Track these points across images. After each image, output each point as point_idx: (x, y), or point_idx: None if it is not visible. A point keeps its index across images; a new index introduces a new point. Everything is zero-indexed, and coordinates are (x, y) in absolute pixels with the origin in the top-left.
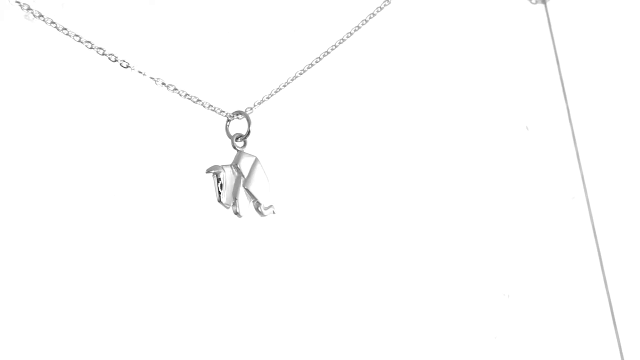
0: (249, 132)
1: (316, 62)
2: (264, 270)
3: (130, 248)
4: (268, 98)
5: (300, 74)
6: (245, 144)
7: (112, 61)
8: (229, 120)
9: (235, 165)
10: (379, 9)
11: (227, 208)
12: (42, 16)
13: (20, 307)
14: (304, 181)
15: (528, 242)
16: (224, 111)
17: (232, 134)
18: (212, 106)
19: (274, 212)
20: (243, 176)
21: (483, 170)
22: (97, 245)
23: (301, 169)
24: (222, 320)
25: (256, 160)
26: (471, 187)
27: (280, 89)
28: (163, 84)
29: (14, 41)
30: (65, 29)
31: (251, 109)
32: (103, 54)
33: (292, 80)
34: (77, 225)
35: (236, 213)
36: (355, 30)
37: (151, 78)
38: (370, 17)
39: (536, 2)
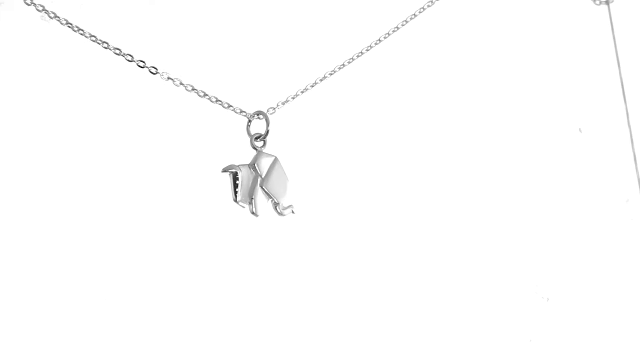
0: (267, 132)
1: (348, 62)
2: (280, 270)
3: (146, 247)
4: (293, 98)
5: (330, 74)
6: (264, 144)
7: (129, 61)
8: (249, 121)
9: (253, 164)
10: (422, 10)
11: (243, 207)
12: (58, 17)
13: (35, 306)
14: (326, 182)
15: (578, 245)
16: (244, 111)
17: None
18: (231, 106)
19: (293, 212)
20: (260, 176)
21: (534, 172)
22: (113, 244)
23: (323, 170)
24: (237, 320)
25: (275, 160)
26: (522, 188)
27: (307, 90)
28: (181, 83)
29: (32, 41)
30: (82, 30)
31: (273, 109)
32: (120, 54)
33: (321, 80)
34: (95, 224)
35: (253, 212)
36: (393, 31)
37: (169, 78)
38: (411, 18)
39: (600, 3)
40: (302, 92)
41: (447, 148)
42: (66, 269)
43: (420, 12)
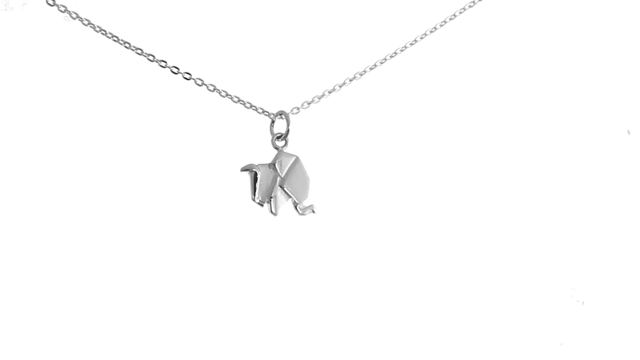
0: (287, 132)
1: (380, 63)
2: (298, 270)
3: (166, 246)
4: (319, 98)
5: (361, 74)
6: (286, 144)
7: (150, 61)
8: (273, 121)
9: (273, 164)
10: (462, 10)
11: (262, 206)
12: (80, 17)
13: (46, 305)
14: (348, 183)
15: (620, 250)
16: (266, 111)
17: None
18: (253, 106)
19: (313, 212)
20: (280, 175)
21: (578, 174)
22: (133, 243)
23: (346, 171)
24: (257, 320)
25: (297, 160)
26: (565, 191)
27: (335, 90)
28: (203, 83)
29: (55, 41)
30: (103, 30)
31: (298, 109)
32: (141, 54)
33: (350, 81)
34: (114, 223)
35: (271, 212)
36: (431, 32)
37: (190, 78)
38: (450, 19)
39: None
40: (329, 92)
41: (480, 151)
42: (85, 270)
43: (460, 13)
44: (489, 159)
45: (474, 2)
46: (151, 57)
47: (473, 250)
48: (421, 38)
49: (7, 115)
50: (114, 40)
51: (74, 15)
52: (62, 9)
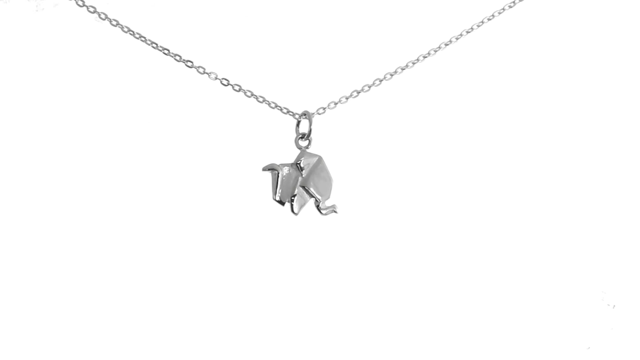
0: (310, 132)
1: (412, 64)
2: (318, 269)
3: (186, 244)
4: (347, 99)
5: (392, 74)
6: (309, 143)
7: (177, 61)
8: (298, 121)
9: (295, 163)
10: (501, 11)
11: (283, 205)
12: (109, 18)
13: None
14: (372, 185)
15: None
16: (290, 111)
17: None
18: (278, 106)
19: (335, 212)
20: (301, 175)
21: (611, 176)
22: (157, 239)
23: (370, 172)
24: (276, 319)
25: (319, 160)
26: (598, 193)
27: (363, 90)
28: (228, 83)
29: (85, 42)
30: (132, 31)
31: (324, 109)
32: (168, 54)
33: (380, 82)
34: (139, 219)
35: (292, 211)
36: (467, 32)
37: (216, 78)
38: (488, 19)
39: None
40: (357, 92)
41: (508, 154)
42: (102, 268)
43: (499, 14)
44: (518, 162)
45: (514, 2)
46: (178, 57)
47: (502, 251)
48: (456, 39)
49: (40, 114)
50: (142, 40)
51: (103, 16)
52: (92, 9)
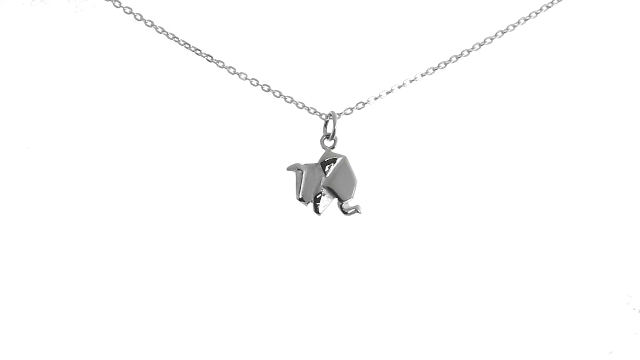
0: (334, 132)
1: (444, 64)
2: (340, 269)
3: (212, 242)
4: (375, 99)
5: (422, 75)
6: (334, 143)
7: (209, 61)
8: (326, 122)
9: (320, 163)
10: (536, 13)
11: (306, 205)
12: (143, 19)
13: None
14: (397, 186)
15: None
16: (318, 112)
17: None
18: (305, 106)
19: (358, 212)
20: (325, 175)
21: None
22: (180, 236)
23: (396, 174)
24: (300, 319)
25: (344, 160)
26: (629, 195)
27: (392, 91)
28: (258, 83)
29: (120, 42)
30: (166, 31)
31: (351, 109)
32: (200, 54)
33: (411, 82)
34: (167, 216)
35: (315, 211)
36: (503, 33)
37: (246, 79)
38: (525, 20)
39: None
40: (387, 93)
41: (537, 157)
42: (124, 267)
43: (536, 14)
44: (548, 166)
45: (552, 2)
46: (209, 58)
47: (527, 254)
48: (491, 39)
49: (79, 112)
50: (175, 40)
51: (139, 17)
52: (127, 10)
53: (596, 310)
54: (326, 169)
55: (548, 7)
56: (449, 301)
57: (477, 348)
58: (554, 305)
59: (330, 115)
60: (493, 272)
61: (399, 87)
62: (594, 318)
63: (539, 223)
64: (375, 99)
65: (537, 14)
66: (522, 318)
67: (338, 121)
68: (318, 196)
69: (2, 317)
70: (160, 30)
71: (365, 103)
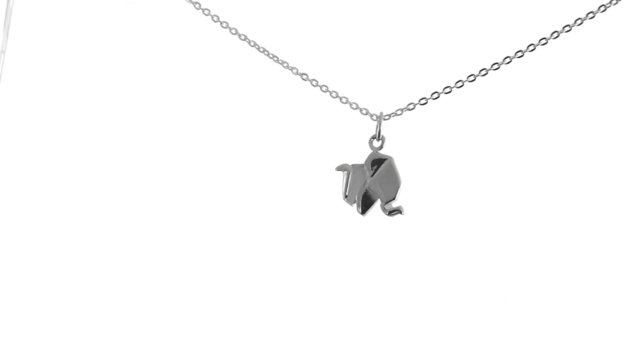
0: (379, 133)
1: (498, 65)
2: (383, 270)
3: (255, 241)
4: (426, 100)
5: (475, 76)
6: (382, 144)
7: (275, 62)
8: (379, 123)
9: (366, 164)
10: (604, 8)
11: (351, 205)
12: (219, 20)
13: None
14: (443, 189)
15: None
16: (370, 112)
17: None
18: (359, 107)
19: (401, 213)
20: (370, 175)
21: None
22: (230, 230)
23: (442, 176)
24: (340, 319)
25: (390, 161)
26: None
27: (444, 92)
28: (317, 84)
29: (198, 43)
30: (239, 33)
31: (401, 110)
32: (267, 55)
33: (463, 83)
34: (215, 209)
35: (359, 211)
36: (566, 31)
37: (307, 79)
38: (590, 18)
39: None
40: (439, 94)
41: (584, 162)
42: (143, 267)
43: (602, 12)
44: (592, 171)
45: (610, 2)
46: (275, 59)
47: (565, 256)
48: (546, 40)
49: (130, 104)
50: (247, 41)
51: (215, 19)
52: (207, 12)
53: (613, 317)
54: (372, 169)
55: (607, 7)
56: (478, 303)
57: (509, 350)
58: (584, 309)
59: (379, 116)
60: (530, 276)
61: (451, 88)
62: (612, 325)
63: (577, 229)
64: (427, 100)
65: (594, 14)
66: (554, 321)
67: (389, 122)
68: (362, 197)
69: (2, 317)
70: (234, 31)
71: (416, 104)
